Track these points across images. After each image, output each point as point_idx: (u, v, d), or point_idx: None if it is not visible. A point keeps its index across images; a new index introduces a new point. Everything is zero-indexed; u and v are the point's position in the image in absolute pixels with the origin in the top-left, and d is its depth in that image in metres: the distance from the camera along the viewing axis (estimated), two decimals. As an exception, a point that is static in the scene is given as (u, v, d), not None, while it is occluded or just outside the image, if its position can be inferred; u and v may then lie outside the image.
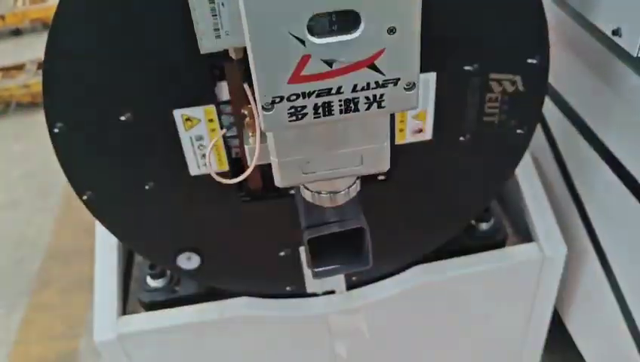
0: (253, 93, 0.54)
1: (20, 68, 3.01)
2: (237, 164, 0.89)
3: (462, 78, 0.84)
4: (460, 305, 1.19)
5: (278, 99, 0.51)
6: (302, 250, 0.81)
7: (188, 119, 0.84)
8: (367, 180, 0.74)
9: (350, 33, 0.48)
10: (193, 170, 0.88)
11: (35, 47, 3.25)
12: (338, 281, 1.08)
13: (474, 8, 0.79)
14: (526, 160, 1.13)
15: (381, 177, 0.94)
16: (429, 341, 1.26)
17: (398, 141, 0.90)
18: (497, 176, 0.99)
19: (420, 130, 0.90)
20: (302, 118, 0.53)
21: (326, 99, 0.52)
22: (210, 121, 0.84)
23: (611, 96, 0.99)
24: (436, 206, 1.00)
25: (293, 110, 0.52)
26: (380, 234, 0.81)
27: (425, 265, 1.10)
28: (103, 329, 1.04)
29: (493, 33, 0.82)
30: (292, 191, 0.90)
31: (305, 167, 0.62)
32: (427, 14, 0.51)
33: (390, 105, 0.53)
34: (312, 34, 0.48)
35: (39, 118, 2.81)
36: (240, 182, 0.79)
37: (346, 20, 0.48)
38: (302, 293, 1.08)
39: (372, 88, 0.52)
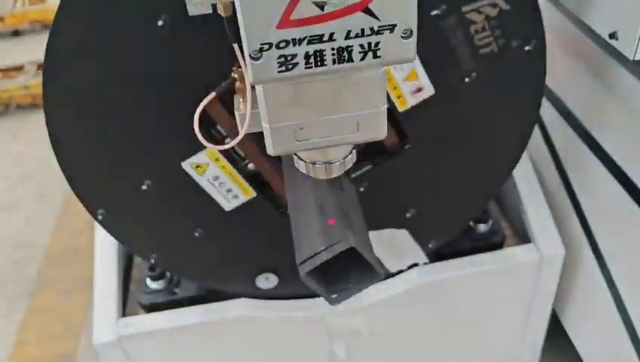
0: (242, 53, 0.51)
1: (19, 69, 3.01)
2: (256, 180, 0.90)
3: (435, 24, 0.80)
4: (459, 306, 1.19)
5: (266, 46, 0.47)
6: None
7: (197, 166, 0.85)
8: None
9: None
10: (226, 207, 0.90)
11: (34, 49, 3.25)
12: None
13: None
14: (524, 161, 1.14)
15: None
16: (428, 341, 1.26)
17: (401, 108, 0.87)
18: (528, 107, 0.92)
19: (419, 89, 0.86)
20: (292, 68, 0.49)
21: (318, 47, 0.48)
22: (217, 160, 0.86)
23: (608, 99, 0.99)
24: (465, 168, 0.96)
25: (282, 59, 0.48)
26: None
27: (424, 266, 1.10)
28: (103, 331, 1.04)
29: None
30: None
31: (298, 134, 0.58)
32: None
33: (386, 56, 0.50)
34: None
35: (38, 119, 2.81)
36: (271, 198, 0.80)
37: None
38: (301, 295, 1.08)
39: (367, 35, 0.48)
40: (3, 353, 1.72)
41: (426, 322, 1.21)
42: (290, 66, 0.49)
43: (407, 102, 0.87)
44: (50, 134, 0.82)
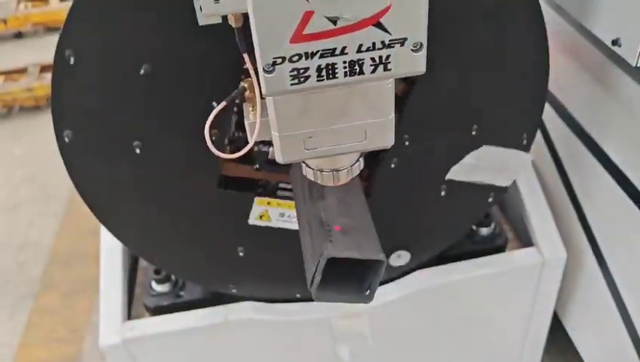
0: (252, 63, 0.51)
1: (22, 71, 3.01)
2: None
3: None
4: (461, 309, 1.20)
5: (279, 60, 0.48)
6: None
7: (261, 216, 0.92)
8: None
9: None
10: None
11: (37, 51, 3.26)
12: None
13: None
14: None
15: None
16: (430, 344, 1.27)
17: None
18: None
19: None
20: (304, 80, 0.50)
21: (330, 60, 0.49)
22: (268, 203, 0.89)
23: (611, 104, 1.00)
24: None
25: (295, 72, 0.49)
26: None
27: (426, 269, 1.11)
28: (109, 334, 1.05)
29: None
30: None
31: (307, 142, 0.58)
32: None
33: (397, 68, 0.50)
34: None
35: (42, 121, 2.80)
36: None
37: None
38: (305, 298, 1.08)
39: (378, 49, 0.49)
40: (7, 354, 1.73)
41: (429, 325, 1.22)
42: (302, 79, 0.50)
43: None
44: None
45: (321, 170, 0.65)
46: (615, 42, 0.87)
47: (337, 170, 0.64)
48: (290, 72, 0.49)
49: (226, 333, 1.09)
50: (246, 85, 0.65)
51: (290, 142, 0.58)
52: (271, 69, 0.49)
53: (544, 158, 1.24)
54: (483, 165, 0.94)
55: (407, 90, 0.86)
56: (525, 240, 1.18)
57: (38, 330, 1.78)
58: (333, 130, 0.58)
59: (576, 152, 1.12)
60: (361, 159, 0.66)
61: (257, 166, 0.91)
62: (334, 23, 0.47)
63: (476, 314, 1.22)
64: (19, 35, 3.59)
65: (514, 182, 1.15)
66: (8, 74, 3.03)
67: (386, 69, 0.50)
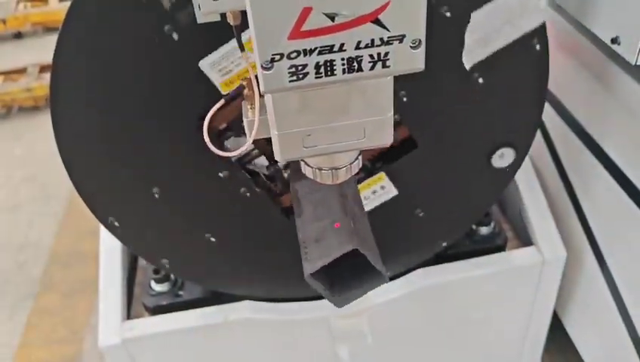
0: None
1: (21, 71, 3.01)
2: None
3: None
4: (461, 308, 1.20)
5: (277, 57, 0.48)
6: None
7: None
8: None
9: None
10: None
11: (36, 51, 3.26)
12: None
13: None
14: (526, 165, 1.14)
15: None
16: (430, 343, 1.27)
17: None
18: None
19: None
20: (303, 77, 0.49)
21: (328, 57, 0.49)
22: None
23: (610, 103, 1.00)
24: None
25: (293, 69, 0.49)
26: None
27: (426, 268, 1.11)
28: (108, 334, 1.05)
29: None
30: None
31: (306, 140, 0.58)
32: None
33: (395, 65, 0.50)
34: None
35: (41, 121, 2.80)
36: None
37: None
38: (304, 297, 1.08)
39: (376, 45, 0.49)
40: (7, 355, 1.72)
41: (429, 324, 1.22)
42: (300, 76, 0.50)
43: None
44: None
45: (320, 169, 0.64)
46: (614, 40, 0.87)
47: (336, 168, 0.64)
48: (289, 68, 0.49)
49: (225, 333, 1.09)
50: (245, 83, 0.65)
51: (288, 140, 0.58)
52: (269, 65, 0.48)
53: (544, 157, 1.24)
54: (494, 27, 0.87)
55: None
56: (525, 240, 1.18)
57: (38, 331, 1.78)
58: (332, 128, 0.58)
59: (575, 151, 1.11)
60: (360, 157, 0.66)
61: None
62: (332, 19, 0.47)
63: (476, 313, 1.22)
64: (18, 35, 3.59)
65: (513, 181, 1.15)
66: (7, 74, 3.03)
67: (384, 66, 0.50)
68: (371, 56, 0.49)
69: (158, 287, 1.10)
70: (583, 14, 0.95)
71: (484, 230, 1.16)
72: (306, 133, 0.58)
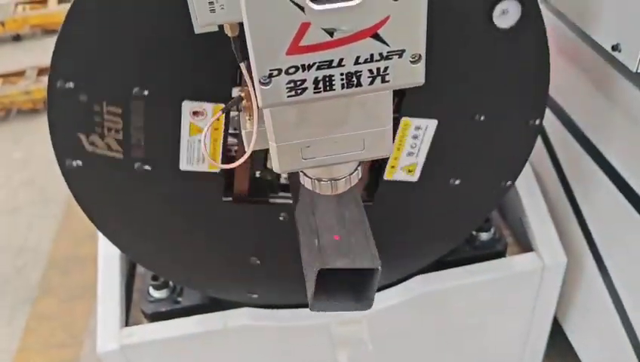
0: (249, 72, 0.51)
1: (20, 74, 3.01)
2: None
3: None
4: (461, 314, 1.20)
5: (275, 72, 0.48)
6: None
7: None
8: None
9: None
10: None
11: (35, 53, 3.25)
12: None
13: None
14: (526, 170, 1.14)
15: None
16: (430, 349, 1.27)
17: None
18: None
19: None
20: (301, 93, 0.49)
21: (327, 72, 0.48)
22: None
23: (611, 110, 1.00)
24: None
25: (292, 84, 0.49)
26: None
27: (426, 275, 1.10)
28: (106, 340, 1.05)
29: None
30: None
31: (305, 151, 0.58)
32: None
33: (395, 80, 0.50)
34: (312, 0, 0.45)
35: (40, 124, 2.79)
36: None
37: None
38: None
39: (375, 60, 0.48)
40: (6, 360, 1.72)
41: (429, 330, 1.22)
42: (299, 91, 0.49)
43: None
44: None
45: (319, 180, 0.64)
46: (615, 47, 0.86)
47: (335, 180, 0.64)
48: (287, 83, 0.48)
49: (224, 339, 1.08)
50: (242, 94, 0.65)
51: (287, 152, 0.58)
52: (267, 81, 0.48)
53: (544, 163, 1.24)
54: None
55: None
56: (525, 245, 1.17)
57: (37, 335, 1.78)
58: (331, 139, 0.58)
59: (576, 157, 1.11)
60: (360, 168, 0.65)
61: None
62: (331, 34, 0.46)
63: (476, 319, 1.22)
64: (17, 38, 3.58)
65: (514, 187, 1.15)
66: (6, 77, 3.02)
67: (384, 81, 0.50)
68: (370, 71, 0.49)
69: (156, 294, 1.09)
70: (583, 21, 0.94)
71: (484, 236, 1.15)
72: (304, 144, 0.57)
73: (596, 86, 1.02)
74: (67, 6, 0.72)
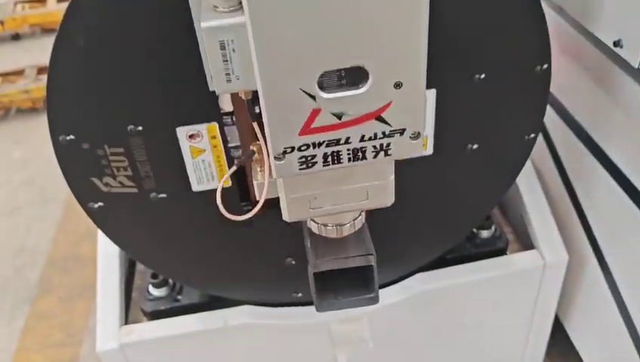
0: (262, 131, 0.55)
1: (19, 73, 3.00)
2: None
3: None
4: (462, 312, 1.19)
5: (289, 150, 0.53)
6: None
7: None
8: None
9: (358, 88, 0.50)
10: None
11: (34, 52, 3.25)
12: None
13: None
14: (527, 167, 1.14)
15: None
16: (431, 347, 1.26)
17: None
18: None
19: None
20: (312, 166, 0.55)
21: (335, 148, 0.54)
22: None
23: (612, 106, 0.99)
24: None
25: (303, 159, 0.54)
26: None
27: (427, 272, 1.10)
28: (106, 339, 1.04)
29: None
30: None
31: (312, 202, 0.63)
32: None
33: (396, 153, 0.55)
34: (322, 89, 0.49)
35: (39, 123, 2.80)
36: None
37: (355, 75, 0.50)
38: (306, 301, 1.08)
39: (379, 138, 0.54)
40: (5, 359, 1.72)
41: (429, 328, 1.21)
42: (310, 165, 0.55)
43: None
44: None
45: (325, 225, 0.69)
46: (616, 43, 0.86)
47: (340, 225, 0.69)
48: (299, 159, 0.54)
49: (224, 338, 1.08)
50: (255, 148, 0.69)
51: (296, 204, 0.63)
52: (281, 157, 0.54)
53: (545, 160, 1.23)
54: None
55: None
56: (526, 243, 1.17)
57: (36, 335, 1.77)
58: (337, 191, 0.63)
59: (577, 154, 1.11)
60: (363, 213, 0.70)
61: None
62: (339, 117, 0.51)
63: (477, 317, 1.21)
64: (16, 37, 3.58)
65: (515, 184, 1.15)
66: (5, 76, 3.02)
67: (386, 155, 0.56)
68: (374, 146, 0.55)
69: (156, 292, 1.09)
70: (585, 17, 0.94)
71: (485, 233, 1.15)
72: (312, 196, 0.63)
73: (598, 83, 1.02)
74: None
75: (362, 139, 0.54)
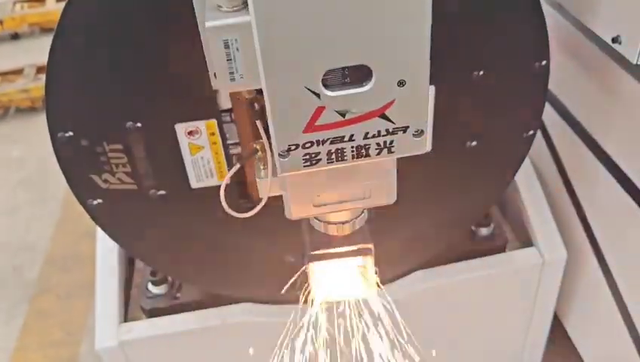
0: (265, 130, 0.56)
1: (18, 72, 3.00)
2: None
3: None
4: (461, 310, 1.19)
5: (293, 147, 0.53)
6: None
7: None
8: None
9: (362, 86, 0.50)
10: None
11: (33, 52, 3.24)
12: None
13: None
14: (526, 165, 1.14)
15: None
16: (430, 345, 1.26)
17: None
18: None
19: None
20: (316, 163, 0.55)
21: (339, 145, 0.54)
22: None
23: (610, 102, 0.99)
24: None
25: (307, 156, 0.54)
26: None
27: (426, 270, 1.10)
28: (105, 337, 1.04)
29: None
30: None
31: (316, 200, 0.64)
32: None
33: (399, 150, 0.56)
34: (327, 87, 0.50)
35: (38, 122, 2.79)
36: None
37: (359, 74, 0.50)
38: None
39: (382, 135, 0.54)
40: (3, 358, 1.71)
41: (428, 325, 1.21)
42: (314, 162, 0.55)
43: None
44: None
45: (328, 222, 0.69)
46: (615, 40, 0.86)
47: (343, 223, 0.69)
48: (303, 156, 0.54)
49: (223, 335, 1.08)
50: (258, 147, 0.69)
51: (299, 202, 0.64)
52: (285, 154, 0.54)
53: (544, 157, 1.23)
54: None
55: None
56: (525, 241, 1.17)
57: (34, 333, 1.77)
58: (340, 189, 0.63)
59: (576, 151, 1.11)
60: (365, 211, 0.71)
61: None
62: (343, 115, 0.52)
63: (476, 314, 1.21)
64: (15, 36, 3.58)
65: (513, 182, 1.15)
66: (4, 75, 3.02)
67: (390, 152, 0.56)
68: (378, 144, 0.55)
69: (155, 290, 1.09)
70: (583, 13, 0.94)
71: (484, 231, 1.15)
72: (315, 194, 0.63)
73: (596, 79, 1.02)
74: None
75: (366, 137, 0.54)
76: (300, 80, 0.49)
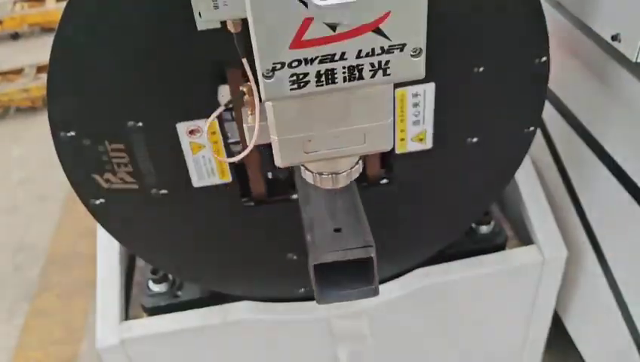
0: (252, 67, 0.51)
1: (18, 72, 3.01)
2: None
3: None
4: (461, 308, 1.19)
5: (279, 66, 0.49)
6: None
7: None
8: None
9: None
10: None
11: (33, 51, 3.25)
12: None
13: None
14: (526, 163, 1.14)
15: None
16: (430, 343, 1.26)
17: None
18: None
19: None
20: (304, 86, 0.50)
21: (329, 65, 0.49)
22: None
23: (610, 100, 0.99)
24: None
25: (294, 77, 0.50)
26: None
27: (426, 268, 1.10)
28: (106, 335, 1.04)
29: None
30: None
31: (306, 145, 0.59)
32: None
33: (396, 73, 0.51)
34: None
35: (38, 122, 2.80)
36: None
37: None
38: (307, 297, 1.08)
39: (377, 54, 0.49)
40: (4, 357, 1.72)
41: (428, 324, 1.21)
42: (301, 84, 0.50)
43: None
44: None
45: (321, 173, 0.65)
46: (615, 38, 0.86)
47: (336, 173, 0.64)
48: (290, 77, 0.49)
49: (224, 333, 1.08)
50: (245, 89, 0.66)
51: (289, 146, 0.59)
52: (270, 74, 0.49)
53: (544, 156, 1.23)
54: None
55: None
56: (525, 239, 1.17)
57: (35, 332, 1.77)
58: (332, 133, 0.58)
59: (576, 149, 1.11)
60: (360, 162, 0.66)
61: None
62: (333, 29, 0.47)
63: (476, 313, 1.21)
64: (15, 36, 3.58)
65: (513, 180, 1.15)
66: (4, 75, 3.02)
67: (385, 74, 0.51)
68: (372, 64, 0.50)
69: (156, 288, 1.09)
70: (583, 12, 0.94)
71: (484, 229, 1.15)
72: (306, 138, 0.58)
73: (596, 77, 1.02)
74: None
75: (359, 55, 0.49)
76: None
